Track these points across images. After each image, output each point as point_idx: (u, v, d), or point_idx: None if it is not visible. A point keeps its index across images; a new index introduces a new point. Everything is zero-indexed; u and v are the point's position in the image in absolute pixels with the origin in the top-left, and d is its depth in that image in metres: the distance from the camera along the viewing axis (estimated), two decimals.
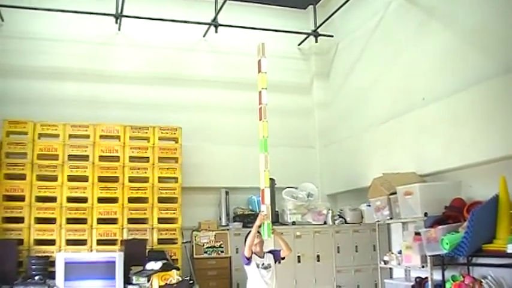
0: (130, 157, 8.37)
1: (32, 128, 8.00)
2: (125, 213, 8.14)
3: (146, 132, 8.54)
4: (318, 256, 8.46)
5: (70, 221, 7.89)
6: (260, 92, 6.72)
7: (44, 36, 9.01)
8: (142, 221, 8.24)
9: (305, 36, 10.36)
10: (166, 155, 8.59)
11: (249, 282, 6.65)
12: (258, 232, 6.54)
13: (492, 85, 6.10)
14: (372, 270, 8.44)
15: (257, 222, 6.52)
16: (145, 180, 8.38)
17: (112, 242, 7.96)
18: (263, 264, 6.52)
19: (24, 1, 8.55)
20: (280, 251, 6.73)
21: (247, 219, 8.77)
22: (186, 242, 8.65)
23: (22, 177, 7.84)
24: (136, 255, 7.56)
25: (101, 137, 8.30)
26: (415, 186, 6.77)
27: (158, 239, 8.22)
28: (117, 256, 7.25)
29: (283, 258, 6.78)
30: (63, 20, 8.98)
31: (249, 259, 6.49)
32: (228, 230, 8.91)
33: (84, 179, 8.08)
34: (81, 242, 7.87)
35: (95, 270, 7.18)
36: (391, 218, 7.39)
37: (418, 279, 7.10)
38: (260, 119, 6.67)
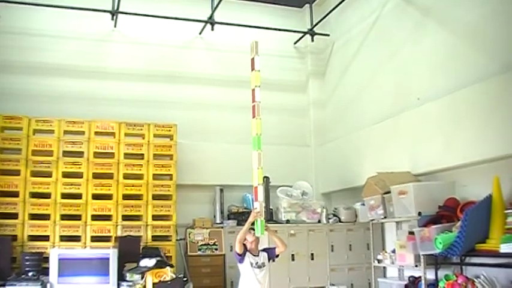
0: (125, 154, 8.36)
1: (27, 123, 7.98)
2: (119, 210, 8.13)
3: (141, 129, 8.53)
4: (312, 254, 8.48)
5: (64, 217, 7.87)
6: (253, 90, 6.73)
7: (40, 32, 8.98)
8: (137, 217, 8.24)
9: (301, 34, 10.38)
10: (161, 152, 8.59)
11: (241, 279, 6.66)
12: (252, 229, 6.56)
13: (488, 84, 6.12)
14: (366, 269, 8.47)
15: (250, 219, 6.53)
16: (140, 177, 8.37)
17: (106, 239, 7.96)
18: (257, 263, 6.53)
19: None
20: (274, 248, 6.74)
21: (242, 217, 8.76)
22: (180, 239, 8.65)
23: (16, 173, 7.82)
24: (130, 252, 7.55)
25: (96, 133, 8.28)
26: (409, 186, 6.79)
27: (152, 236, 8.21)
28: (111, 253, 7.24)
29: (278, 256, 6.79)
30: (59, 16, 8.96)
31: (241, 255, 6.51)
32: (222, 227, 8.92)
33: (79, 175, 8.06)
34: (75, 239, 7.86)
35: (88, 267, 7.17)
36: (385, 217, 7.41)
37: (411, 278, 7.13)
38: (253, 117, 6.68)
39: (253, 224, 6.54)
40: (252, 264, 6.51)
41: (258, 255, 6.61)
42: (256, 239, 6.60)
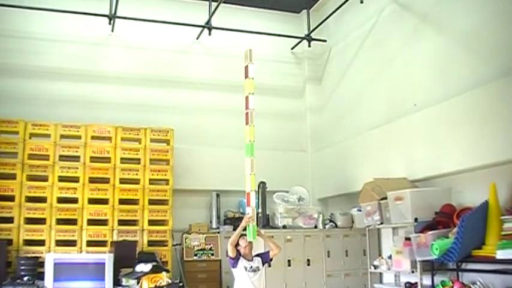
0: (121, 158, 8.36)
1: (23, 127, 7.97)
2: (115, 214, 8.13)
3: (138, 134, 8.53)
4: (308, 260, 8.45)
5: (60, 221, 7.88)
6: (247, 97, 6.76)
7: (37, 36, 8.98)
8: (133, 222, 8.23)
9: (298, 40, 10.38)
10: (158, 157, 8.60)
11: (236, 284, 6.66)
12: (245, 234, 6.57)
13: (484, 90, 6.13)
14: (362, 274, 8.45)
15: (242, 224, 6.59)
16: (136, 181, 8.38)
17: (102, 243, 7.95)
18: (251, 267, 6.54)
19: (18, 0, 8.50)
20: (268, 252, 6.75)
21: (238, 222, 8.67)
22: (177, 245, 8.64)
23: (12, 177, 7.81)
24: (126, 256, 7.55)
25: (93, 137, 8.29)
26: (406, 192, 6.78)
27: (148, 241, 8.21)
28: (107, 257, 7.23)
29: (271, 259, 6.80)
30: (57, 20, 8.97)
31: (234, 259, 6.52)
32: (218, 232, 8.92)
33: (75, 179, 8.06)
34: (71, 243, 7.85)
35: (84, 272, 7.17)
36: (381, 223, 7.40)
37: (407, 284, 7.11)
38: (247, 124, 6.71)
39: (245, 229, 6.56)
40: (246, 268, 6.51)
41: (251, 260, 6.61)
42: (249, 243, 6.61)
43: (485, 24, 6.41)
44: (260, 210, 8.56)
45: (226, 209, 9.41)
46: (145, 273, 7.13)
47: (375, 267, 7.66)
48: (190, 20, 9.52)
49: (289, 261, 8.31)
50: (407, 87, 7.80)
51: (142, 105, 9.33)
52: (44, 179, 7.96)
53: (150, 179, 8.45)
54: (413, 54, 7.74)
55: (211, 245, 8.74)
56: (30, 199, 7.85)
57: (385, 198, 7.16)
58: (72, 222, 7.92)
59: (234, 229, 8.55)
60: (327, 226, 8.78)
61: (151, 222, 8.30)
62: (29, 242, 7.69)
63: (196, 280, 8.40)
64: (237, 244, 6.59)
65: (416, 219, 6.58)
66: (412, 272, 6.69)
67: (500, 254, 5.37)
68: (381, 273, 8.19)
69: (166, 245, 8.33)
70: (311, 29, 10.17)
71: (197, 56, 10.06)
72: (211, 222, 9.20)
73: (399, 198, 6.85)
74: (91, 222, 7.99)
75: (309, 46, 10.33)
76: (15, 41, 8.87)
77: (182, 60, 9.89)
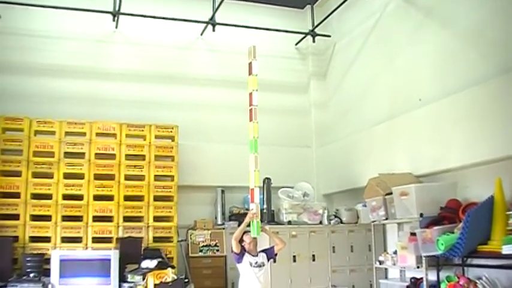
0: (126, 155, 8.37)
1: (28, 124, 7.99)
2: (120, 211, 8.14)
3: (142, 130, 8.55)
4: (313, 256, 8.45)
5: (65, 218, 7.89)
6: (251, 94, 6.76)
7: (41, 33, 8.98)
8: (138, 219, 8.25)
9: (302, 36, 10.35)
10: (163, 153, 8.60)
11: (241, 280, 6.69)
12: (249, 231, 6.59)
13: (489, 86, 6.11)
14: (367, 270, 8.44)
15: (246, 220, 6.65)
16: (141, 178, 8.39)
17: (107, 240, 7.96)
18: (256, 262, 6.58)
19: None
20: (273, 247, 6.78)
21: (243, 218, 8.68)
22: (182, 241, 8.65)
23: (18, 174, 7.83)
24: (131, 253, 7.57)
25: (97, 134, 8.30)
26: (411, 187, 6.77)
27: (154, 237, 8.23)
28: (113, 254, 7.25)
29: (276, 254, 6.83)
30: (61, 17, 8.97)
31: (238, 255, 6.56)
32: (223, 229, 8.93)
33: (80, 176, 8.07)
34: (77, 240, 7.87)
35: (90, 268, 7.19)
36: (386, 219, 7.39)
37: (413, 280, 7.10)
38: (250, 120, 6.71)
39: (249, 225, 6.60)
40: (251, 263, 6.56)
41: (256, 256, 6.65)
42: (253, 239, 6.66)
43: (490, 20, 6.38)
44: (265, 206, 8.56)
45: (232, 205, 9.40)
46: (151, 270, 7.15)
47: (380, 262, 7.66)
48: (194, 16, 9.50)
49: (294, 257, 8.32)
50: (412, 82, 7.78)
51: (147, 102, 9.32)
52: (49, 176, 7.98)
53: (155, 176, 8.46)
54: (417, 50, 7.71)
55: (217, 241, 8.75)
56: (35, 196, 7.86)
57: (390, 193, 7.15)
58: (78, 219, 7.95)
59: (239, 225, 8.58)
60: (332, 222, 8.78)
61: (157, 219, 8.32)
62: (34, 239, 7.71)
63: (202, 276, 8.41)
64: (242, 240, 6.62)
65: (421, 215, 6.56)
66: (418, 267, 6.68)
67: (506, 249, 5.35)
68: (386, 269, 8.19)
69: (172, 241, 8.35)
70: (315, 25, 10.12)
71: (201, 52, 10.06)
72: (216, 218, 9.20)
73: (404, 193, 6.84)
74: (96, 218, 8.01)
75: (313, 42, 10.30)
76: (19, 38, 8.87)
77: (186, 57, 9.89)
